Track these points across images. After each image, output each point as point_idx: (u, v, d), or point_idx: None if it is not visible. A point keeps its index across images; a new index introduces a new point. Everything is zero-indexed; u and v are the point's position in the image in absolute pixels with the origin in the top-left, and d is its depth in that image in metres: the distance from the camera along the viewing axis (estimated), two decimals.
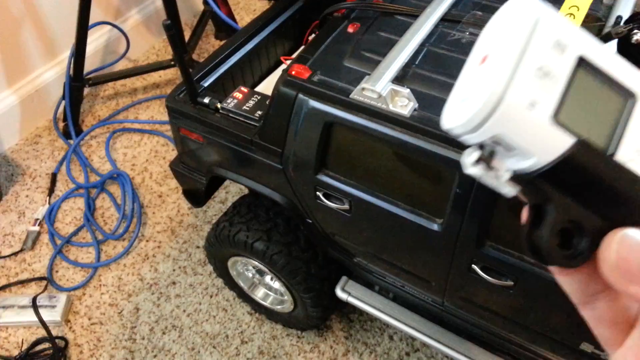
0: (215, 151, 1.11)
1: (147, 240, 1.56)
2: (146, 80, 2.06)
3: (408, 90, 0.85)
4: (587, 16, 1.01)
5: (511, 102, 0.23)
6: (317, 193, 1.01)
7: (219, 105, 1.05)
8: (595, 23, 1.02)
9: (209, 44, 2.22)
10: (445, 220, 0.88)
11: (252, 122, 1.03)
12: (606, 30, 0.93)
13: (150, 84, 2.05)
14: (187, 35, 2.01)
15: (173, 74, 2.08)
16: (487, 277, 0.90)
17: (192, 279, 1.47)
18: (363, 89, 0.85)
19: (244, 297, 1.38)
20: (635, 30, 0.84)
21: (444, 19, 1.00)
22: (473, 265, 0.91)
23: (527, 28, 0.23)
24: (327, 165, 0.97)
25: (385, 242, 1.03)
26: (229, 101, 1.06)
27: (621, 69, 0.25)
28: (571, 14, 0.99)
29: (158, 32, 2.24)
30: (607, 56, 0.24)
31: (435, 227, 0.90)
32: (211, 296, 1.44)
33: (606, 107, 0.24)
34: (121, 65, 2.08)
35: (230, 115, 1.05)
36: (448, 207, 0.86)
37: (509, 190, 0.25)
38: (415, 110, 0.85)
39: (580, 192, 0.24)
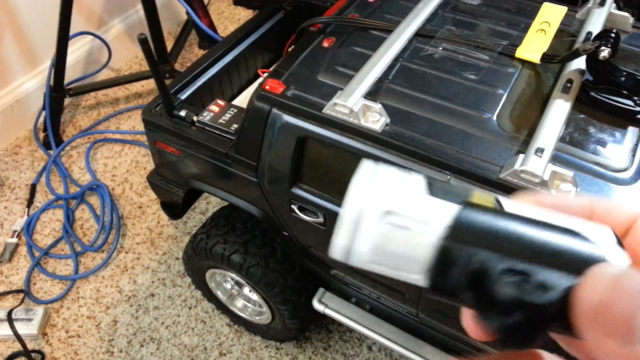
0: (192, 164, 1.11)
1: (126, 252, 1.55)
2: (128, 90, 2.05)
3: (380, 105, 0.86)
4: (561, 31, 1.03)
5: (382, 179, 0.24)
6: (292, 206, 1.01)
7: (195, 119, 1.06)
8: (567, 38, 1.03)
9: (192, 54, 2.22)
10: None
11: (228, 136, 1.03)
12: (576, 46, 0.94)
13: (133, 94, 2.05)
14: (170, 45, 2.01)
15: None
16: None
17: (171, 291, 1.46)
18: (335, 104, 0.86)
19: (223, 308, 1.38)
20: (602, 47, 0.86)
21: (418, 34, 1.01)
22: None
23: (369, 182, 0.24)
24: (301, 178, 0.98)
25: None
26: (205, 114, 1.06)
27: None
28: (542, 29, 1.01)
29: None
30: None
31: None
32: (190, 308, 1.43)
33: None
34: (103, 75, 2.08)
35: (206, 128, 1.05)
36: None
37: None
38: (387, 125, 0.86)
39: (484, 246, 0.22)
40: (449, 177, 0.80)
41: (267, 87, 0.93)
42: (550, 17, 1.04)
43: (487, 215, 0.22)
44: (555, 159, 0.79)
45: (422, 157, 0.82)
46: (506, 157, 0.80)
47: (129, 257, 1.54)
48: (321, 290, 1.21)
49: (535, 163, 0.75)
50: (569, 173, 0.74)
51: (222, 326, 1.40)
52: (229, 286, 1.34)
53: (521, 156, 0.76)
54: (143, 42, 0.99)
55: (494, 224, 0.22)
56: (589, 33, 0.97)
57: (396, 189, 0.23)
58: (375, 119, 0.85)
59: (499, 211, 0.23)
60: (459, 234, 0.22)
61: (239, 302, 1.35)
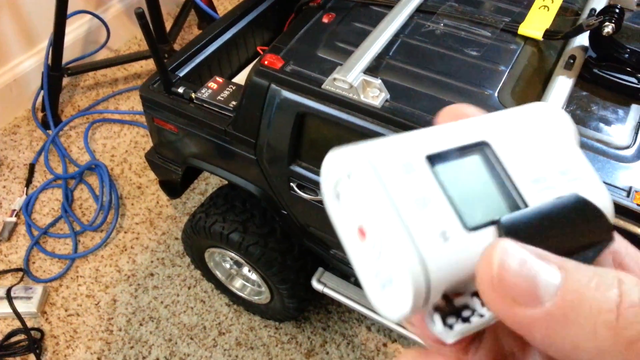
0: (190, 142, 1.10)
1: (125, 232, 1.55)
2: (127, 70, 2.04)
3: (380, 81, 0.85)
4: (565, 9, 1.01)
5: (428, 248, 0.21)
6: (291, 184, 1.00)
7: (193, 95, 1.04)
8: (570, 16, 1.02)
9: (192, 34, 2.20)
10: None
11: (226, 113, 1.02)
12: (579, 22, 0.93)
13: (132, 74, 2.03)
14: (169, 25, 1.99)
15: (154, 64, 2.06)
16: None
17: (170, 271, 1.46)
18: (334, 79, 0.85)
19: (222, 288, 1.38)
20: (606, 23, 0.84)
21: (419, 10, 1.00)
22: None
23: (373, 180, 0.22)
24: (300, 156, 0.97)
25: None
26: (203, 91, 1.05)
27: (455, 134, 0.24)
28: (545, 6, 1.00)
29: None
30: (441, 137, 0.24)
31: None
32: (189, 288, 1.43)
33: (483, 178, 0.23)
34: (102, 55, 2.06)
35: (205, 105, 1.04)
36: None
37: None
38: (387, 101, 0.85)
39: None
40: None
41: (265, 63, 0.92)
42: None
43: (518, 225, 0.22)
44: None
45: None
46: None
47: (128, 237, 1.54)
48: (320, 269, 1.21)
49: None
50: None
51: (221, 306, 1.40)
52: (227, 266, 1.34)
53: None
54: (140, 16, 0.97)
55: (525, 234, 0.22)
56: (593, 9, 0.96)
57: (439, 243, 0.21)
58: (375, 95, 0.84)
59: (526, 215, 0.23)
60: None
61: (238, 282, 1.35)
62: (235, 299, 1.38)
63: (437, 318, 0.22)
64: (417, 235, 0.21)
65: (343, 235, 0.24)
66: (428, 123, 0.82)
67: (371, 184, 0.21)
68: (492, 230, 0.22)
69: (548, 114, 0.26)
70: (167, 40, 1.86)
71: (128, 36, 2.18)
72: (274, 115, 0.93)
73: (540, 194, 0.23)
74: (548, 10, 0.99)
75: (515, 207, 0.23)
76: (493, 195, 0.23)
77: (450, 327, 0.22)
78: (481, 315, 0.22)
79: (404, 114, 0.83)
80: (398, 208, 0.21)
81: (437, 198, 0.22)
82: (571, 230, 0.23)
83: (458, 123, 0.25)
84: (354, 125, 0.85)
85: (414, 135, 0.23)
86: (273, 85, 0.91)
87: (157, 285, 1.44)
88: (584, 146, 0.78)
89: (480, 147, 0.24)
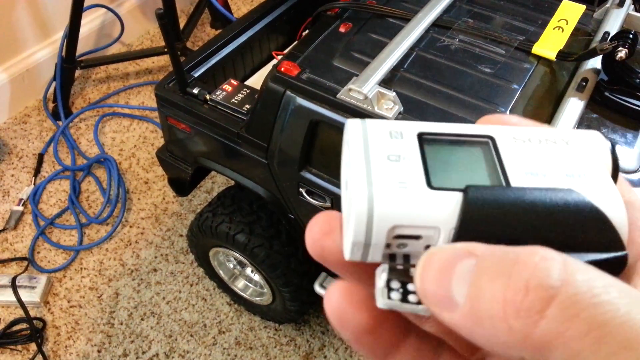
0: (202, 142, 1.11)
1: (130, 226, 1.56)
2: (139, 65, 2.05)
3: (394, 93, 0.86)
4: (577, 30, 1.02)
5: (380, 189, 0.21)
6: (300, 189, 1.02)
7: (207, 97, 1.06)
8: (583, 37, 1.03)
9: (204, 33, 2.21)
10: None
11: (240, 116, 1.04)
12: (593, 45, 0.94)
13: (143, 70, 2.04)
14: (182, 22, 2.01)
15: (166, 60, 2.07)
16: None
17: (173, 267, 1.48)
18: (350, 89, 0.86)
19: (224, 287, 1.39)
20: (620, 48, 0.86)
21: (435, 24, 1.01)
22: None
23: (359, 136, 0.23)
24: (311, 162, 0.98)
25: None
26: (217, 93, 1.06)
27: (463, 127, 0.24)
28: (559, 27, 1.01)
29: (153, 18, 2.22)
30: (446, 125, 0.24)
31: None
32: (191, 285, 1.44)
33: (472, 158, 0.23)
34: (115, 49, 2.08)
35: (219, 107, 1.05)
36: None
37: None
38: (400, 113, 0.86)
39: (500, 236, 0.21)
40: None
41: (282, 69, 0.94)
42: (569, 15, 1.03)
43: (489, 200, 0.21)
44: None
45: None
46: None
47: (133, 232, 1.55)
48: (323, 274, 1.22)
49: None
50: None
51: (222, 305, 1.41)
52: (231, 265, 1.35)
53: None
54: (160, 17, 0.99)
55: (497, 212, 0.21)
56: (607, 33, 0.97)
57: (394, 188, 0.21)
58: (389, 107, 0.86)
59: (500, 189, 0.21)
60: (467, 232, 0.21)
61: (241, 282, 1.36)
62: (236, 298, 1.39)
63: (385, 274, 0.22)
64: (376, 179, 0.21)
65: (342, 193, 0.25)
66: None
67: (355, 139, 0.23)
68: (457, 196, 0.21)
69: (586, 139, 0.23)
70: (181, 38, 1.87)
71: (141, 31, 2.20)
72: (287, 121, 0.94)
73: (530, 183, 0.22)
74: (562, 31, 1.00)
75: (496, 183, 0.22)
76: (473, 171, 0.22)
77: (390, 290, 0.22)
78: (418, 303, 0.21)
79: None
80: (369, 157, 0.22)
81: (412, 158, 0.22)
82: (549, 225, 0.20)
83: (481, 125, 0.24)
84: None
85: (427, 122, 0.24)
86: (288, 92, 0.92)
87: (160, 281, 1.45)
88: None
89: (482, 141, 0.23)
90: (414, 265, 0.22)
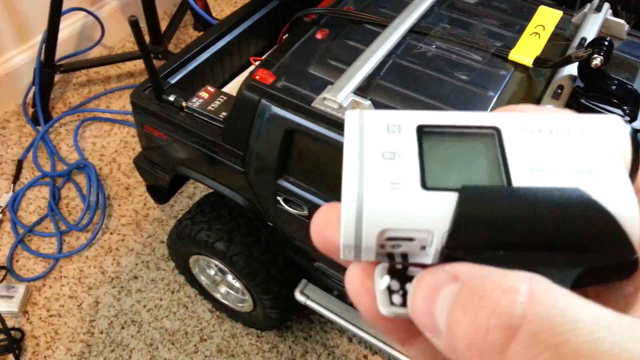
0: (179, 150, 1.10)
1: (111, 233, 1.55)
2: (120, 68, 2.03)
3: (369, 102, 0.85)
4: (555, 35, 1.02)
5: (370, 190, 0.20)
6: (278, 198, 1.01)
7: (183, 104, 1.05)
8: (561, 42, 1.03)
9: (187, 35, 2.19)
10: None
11: (216, 123, 1.02)
12: (569, 51, 0.94)
13: (125, 73, 2.02)
14: (167, 24, 1.99)
15: None
16: None
17: (154, 274, 1.46)
18: (324, 98, 0.85)
19: (206, 294, 1.38)
20: (595, 55, 0.86)
21: (412, 31, 1.01)
22: None
23: (355, 130, 0.22)
24: (287, 170, 0.97)
25: None
26: (194, 100, 1.05)
27: (468, 117, 0.22)
28: (536, 32, 1.01)
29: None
30: (449, 115, 0.22)
31: None
32: (173, 292, 1.43)
33: (473, 153, 0.21)
34: (96, 52, 2.05)
35: (195, 115, 1.04)
36: None
37: None
38: None
39: (496, 240, 0.20)
40: None
41: (257, 77, 0.93)
42: (546, 20, 1.03)
43: (485, 202, 0.20)
44: None
45: None
46: None
47: (113, 238, 1.54)
48: (304, 281, 1.22)
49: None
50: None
51: (204, 312, 1.40)
52: (212, 272, 1.34)
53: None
54: (133, 24, 0.97)
55: (493, 216, 0.20)
56: (583, 39, 0.97)
57: (385, 190, 0.20)
58: None
59: (498, 190, 0.20)
60: (460, 238, 0.20)
61: (222, 289, 1.35)
62: (218, 305, 1.38)
63: (383, 276, 0.21)
64: (367, 179, 0.20)
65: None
66: None
67: (350, 133, 0.22)
68: (452, 196, 0.20)
69: (603, 126, 0.22)
70: (162, 41, 1.86)
71: (123, 34, 2.17)
72: (263, 129, 0.93)
73: (533, 181, 0.20)
74: (539, 37, 1.00)
75: (495, 183, 0.20)
76: (473, 168, 0.21)
77: (391, 293, 0.21)
78: None
79: None
80: (363, 154, 0.21)
81: (408, 156, 0.21)
82: (553, 228, 0.19)
83: (472, 113, 0.23)
84: (342, 144, 0.85)
85: (429, 112, 0.23)
86: (263, 101, 0.91)
87: (141, 289, 1.44)
88: None
89: (486, 133, 0.22)
90: (412, 264, 0.21)
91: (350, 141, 0.22)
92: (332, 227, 0.22)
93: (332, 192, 0.95)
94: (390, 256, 0.21)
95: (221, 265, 1.22)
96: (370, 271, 0.22)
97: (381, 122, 0.22)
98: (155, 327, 1.37)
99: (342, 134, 0.85)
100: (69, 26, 1.95)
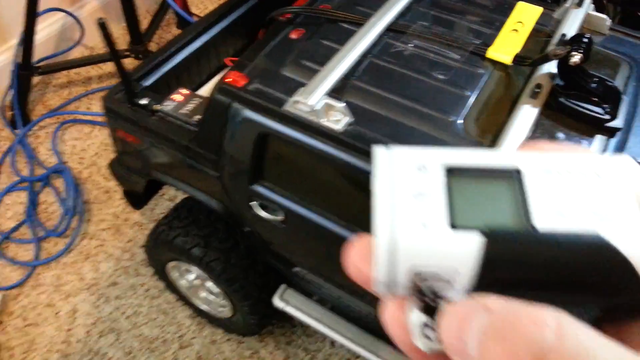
0: (153, 154, 1.07)
1: (90, 238, 1.52)
2: (101, 69, 2.00)
3: (343, 104, 0.83)
4: (537, 31, 1.00)
5: (404, 230, 0.22)
6: (252, 203, 0.98)
7: (156, 107, 1.02)
8: (542, 38, 1.01)
9: (170, 34, 2.16)
10: None
11: (190, 127, 1.00)
12: (550, 47, 0.91)
13: (106, 73, 1.99)
14: (148, 22, 1.96)
15: (130, 63, 2.01)
16: None
17: (133, 280, 1.43)
18: (296, 101, 0.82)
19: (185, 300, 1.35)
20: (574, 53, 0.83)
21: (390, 29, 0.98)
22: None
23: (385, 168, 0.23)
24: (262, 175, 0.94)
25: (319, 254, 1.01)
26: (167, 103, 1.02)
27: (491, 157, 0.24)
28: (515, 29, 0.98)
29: (116, 19, 2.16)
30: (472, 155, 0.24)
31: None
32: (152, 298, 1.40)
33: (497, 194, 0.23)
34: (77, 53, 2.02)
35: (168, 118, 1.01)
36: None
37: None
38: (349, 124, 0.83)
39: (521, 281, 0.22)
40: None
41: (229, 80, 0.90)
42: (524, 16, 1.01)
43: (510, 247, 0.21)
44: None
45: None
46: None
47: (92, 244, 1.50)
48: (283, 286, 1.19)
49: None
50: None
51: (183, 318, 1.37)
52: (191, 277, 1.31)
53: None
54: (101, 26, 0.95)
55: (518, 259, 0.21)
56: (563, 35, 0.94)
57: (416, 229, 0.22)
58: (338, 119, 0.82)
59: (523, 234, 0.22)
60: (487, 280, 0.21)
61: (202, 295, 1.33)
62: (198, 311, 1.35)
63: (415, 311, 0.23)
64: (399, 218, 0.22)
65: None
66: None
67: (381, 172, 0.23)
68: (478, 238, 0.21)
69: (617, 168, 0.23)
70: (142, 41, 1.82)
71: None
72: (235, 133, 0.91)
73: (553, 224, 0.22)
74: (518, 33, 0.97)
75: (519, 226, 0.22)
76: (498, 209, 0.23)
77: (425, 326, 0.23)
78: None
79: (365, 140, 0.81)
80: (394, 193, 0.23)
81: (436, 196, 0.23)
82: (574, 271, 0.21)
83: (496, 152, 0.25)
84: (314, 148, 0.83)
85: (454, 150, 0.24)
86: (235, 104, 0.88)
87: (120, 295, 1.41)
88: None
89: (508, 174, 0.24)
90: (441, 297, 0.22)
91: (381, 180, 0.23)
92: (366, 262, 0.24)
93: (308, 197, 0.92)
94: (420, 292, 0.23)
95: (199, 272, 1.19)
96: (402, 305, 0.23)
97: (410, 161, 0.24)
98: (134, 335, 1.34)
99: (315, 138, 0.83)
100: (47, 27, 1.91)
